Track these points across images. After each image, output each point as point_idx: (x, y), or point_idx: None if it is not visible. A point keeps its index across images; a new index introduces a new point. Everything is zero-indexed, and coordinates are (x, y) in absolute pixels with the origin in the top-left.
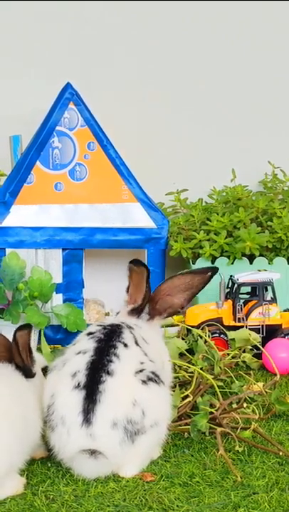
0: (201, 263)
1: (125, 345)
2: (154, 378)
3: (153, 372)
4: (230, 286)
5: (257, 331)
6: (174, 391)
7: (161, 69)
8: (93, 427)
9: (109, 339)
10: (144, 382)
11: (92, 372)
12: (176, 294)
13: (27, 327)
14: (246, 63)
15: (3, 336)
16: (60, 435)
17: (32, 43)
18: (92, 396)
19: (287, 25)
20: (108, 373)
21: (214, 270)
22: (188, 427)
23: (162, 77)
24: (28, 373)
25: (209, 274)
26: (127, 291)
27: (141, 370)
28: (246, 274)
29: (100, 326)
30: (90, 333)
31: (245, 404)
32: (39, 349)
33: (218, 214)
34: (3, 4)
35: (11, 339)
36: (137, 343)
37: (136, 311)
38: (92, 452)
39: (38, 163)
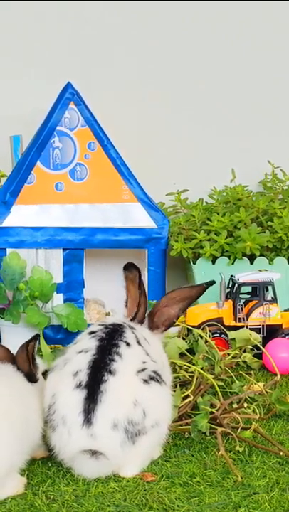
0: (202, 263)
1: (127, 344)
2: (155, 377)
3: (155, 372)
4: (230, 286)
5: (257, 330)
6: (174, 391)
7: (161, 69)
8: (94, 428)
9: (111, 338)
10: (145, 381)
11: (94, 371)
12: (172, 305)
13: (36, 337)
14: (246, 63)
15: (5, 348)
16: (61, 435)
17: (32, 43)
18: (93, 396)
19: (287, 25)
20: (110, 372)
21: (210, 283)
22: (189, 426)
23: (162, 77)
24: (33, 379)
25: (205, 285)
26: (126, 306)
27: (143, 370)
28: (247, 274)
29: (102, 325)
30: (91, 332)
31: (245, 404)
32: (39, 349)
33: (218, 214)
34: (4, 4)
35: (11, 338)
36: (138, 343)
37: (135, 321)
38: (93, 453)
39: (38, 163)
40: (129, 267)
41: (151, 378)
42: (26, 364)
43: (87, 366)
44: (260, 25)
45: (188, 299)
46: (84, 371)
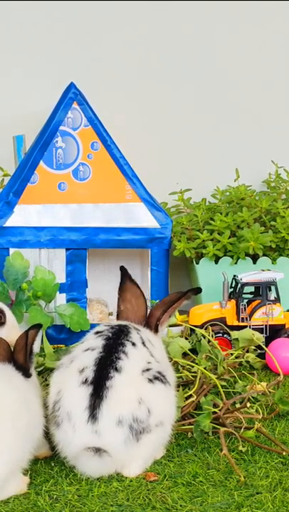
0: (205, 263)
1: (133, 344)
2: (160, 378)
3: (159, 372)
4: (233, 285)
5: (260, 330)
6: (177, 391)
7: (164, 68)
8: (99, 424)
9: (117, 337)
10: (150, 380)
11: (100, 368)
12: (160, 308)
13: (38, 327)
14: (249, 62)
15: (2, 339)
16: (66, 431)
17: (34, 43)
18: (98, 392)
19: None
20: (116, 370)
21: (195, 290)
22: (192, 426)
23: (165, 77)
24: (26, 372)
25: (186, 292)
26: (118, 318)
27: (148, 369)
28: (250, 273)
29: (108, 325)
30: (97, 332)
31: (248, 404)
32: (42, 349)
33: (221, 214)
34: (6, 4)
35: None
36: (144, 344)
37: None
38: (97, 450)
39: (41, 162)
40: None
41: (156, 378)
42: (22, 352)
43: (94, 363)
44: (260, 25)
45: (171, 302)
46: (90, 368)
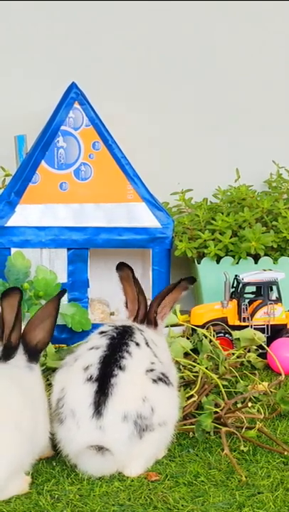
0: (206, 263)
1: (137, 344)
2: (163, 379)
3: (163, 373)
4: (235, 285)
5: (262, 330)
6: (179, 391)
7: (164, 68)
8: (104, 420)
9: (121, 337)
10: (154, 381)
11: (104, 366)
12: (155, 301)
13: (61, 294)
14: (249, 62)
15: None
16: (69, 428)
17: (36, 43)
18: (103, 389)
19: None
20: (120, 368)
21: (189, 280)
22: (193, 426)
23: (165, 77)
24: (36, 356)
25: (182, 281)
26: (126, 307)
27: (151, 370)
28: (251, 273)
29: (112, 326)
30: (102, 332)
31: (250, 404)
32: None
33: (223, 214)
34: (6, 4)
35: None
36: (147, 344)
37: (138, 321)
38: (100, 448)
39: (43, 162)
40: (121, 267)
41: (159, 379)
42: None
43: (98, 361)
44: (261, 24)
45: (164, 293)
46: (95, 365)
